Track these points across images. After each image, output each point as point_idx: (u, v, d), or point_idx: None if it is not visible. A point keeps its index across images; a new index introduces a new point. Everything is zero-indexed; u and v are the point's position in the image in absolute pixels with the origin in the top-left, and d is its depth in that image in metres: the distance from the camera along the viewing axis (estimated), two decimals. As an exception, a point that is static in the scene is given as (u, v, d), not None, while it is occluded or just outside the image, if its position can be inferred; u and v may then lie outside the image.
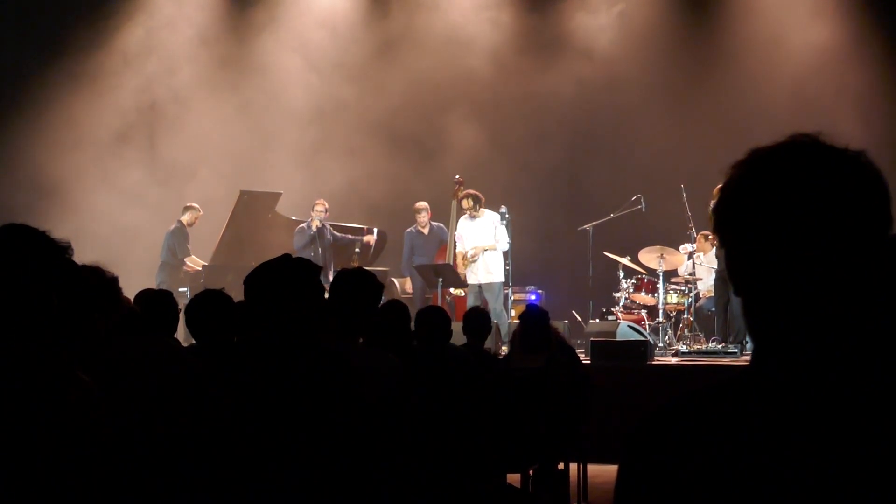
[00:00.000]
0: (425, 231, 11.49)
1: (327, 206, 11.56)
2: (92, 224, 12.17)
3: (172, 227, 11.83)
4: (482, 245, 10.72)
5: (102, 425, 2.20)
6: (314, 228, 11.32)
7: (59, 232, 2.18)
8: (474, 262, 10.69)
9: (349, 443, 2.81)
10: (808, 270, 1.14)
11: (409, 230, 11.58)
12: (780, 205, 1.15)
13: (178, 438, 3.17)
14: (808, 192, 1.15)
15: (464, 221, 10.90)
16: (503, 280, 10.86)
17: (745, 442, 1.12)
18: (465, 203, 10.83)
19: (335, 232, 11.69)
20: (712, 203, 9.54)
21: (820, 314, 1.15)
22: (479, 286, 10.73)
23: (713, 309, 10.72)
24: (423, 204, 11.53)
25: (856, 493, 1.08)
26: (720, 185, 1.24)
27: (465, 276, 10.78)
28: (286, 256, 2.96)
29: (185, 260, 11.80)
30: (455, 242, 11.21)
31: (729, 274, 1.22)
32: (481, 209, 10.81)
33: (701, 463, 1.13)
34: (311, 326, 2.88)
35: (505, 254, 10.86)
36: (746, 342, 10.05)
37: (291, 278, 2.90)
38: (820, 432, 1.11)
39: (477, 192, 10.87)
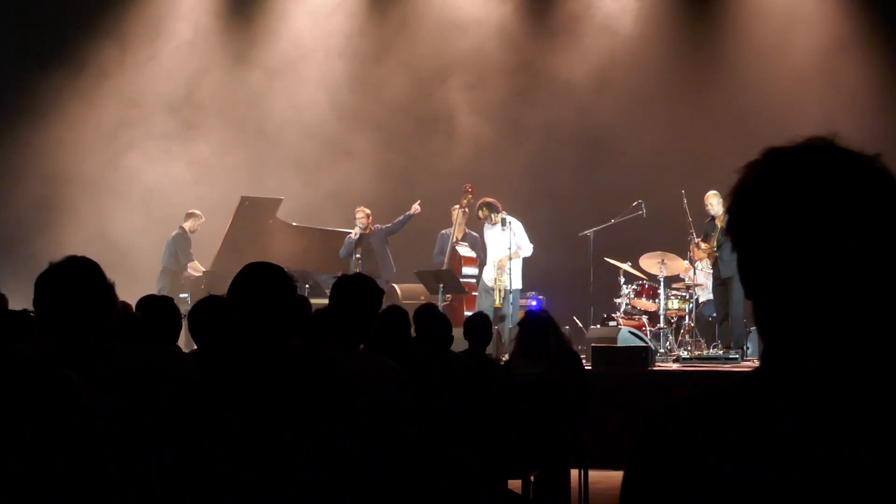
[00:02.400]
0: (460, 235, 11.48)
1: (368, 212, 11.53)
2: (99, 228, 12.20)
3: (174, 232, 11.85)
4: (506, 255, 10.71)
5: (86, 422, 2.21)
6: (353, 237, 11.42)
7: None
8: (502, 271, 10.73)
9: (349, 449, 2.81)
10: (822, 273, 1.14)
11: (443, 231, 11.58)
12: (795, 207, 1.15)
13: (175, 445, 3.18)
14: (823, 195, 1.15)
15: (487, 230, 10.92)
16: (521, 287, 10.90)
17: (753, 444, 1.12)
18: (481, 213, 10.84)
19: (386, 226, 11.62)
20: (709, 208, 9.44)
21: (833, 317, 1.14)
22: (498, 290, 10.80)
23: (714, 315, 10.72)
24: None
25: (866, 497, 1.08)
26: (733, 187, 1.23)
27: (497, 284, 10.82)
28: (250, 264, 3.02)
29: (188, 266, 11.83)
30: (456, 250, 11.25)
31: (741, 275, 1.22)
32: (498, 216, 10.81)
33: (709, 464, 1.13)
34: (275, 330, 2.90)
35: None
36: (747, 348, 10.05)
37: (248, 284, 2.94)
38: (830, 435, 1.11)
39: (492, 200, 10.86)
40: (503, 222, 10.80)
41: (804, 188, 1.15)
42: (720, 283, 10.27)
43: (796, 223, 1.15)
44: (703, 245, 10.44)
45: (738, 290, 9.89)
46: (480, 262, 11.31)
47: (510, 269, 10.68)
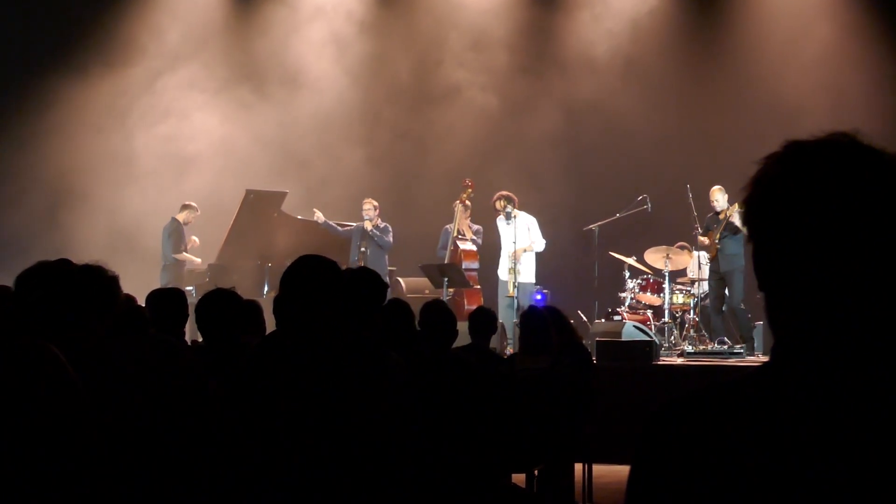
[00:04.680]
0: (462, 229, 11.51)
1: (376, 203, 11.48)
2: (114, 217, 12.22)
3: (167, 224, 11.80)
4: (521, 247, 10.84)
5: (77, 398, 2.21)
6: (366, 229, 11.38)
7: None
8: (516, 262, 10.82)
9: (358, 442, 2.82)
10: (837, 269, 1.13)
11: (447, 226, 11.56)
12: (813, 202, 1.14)
13: (179, 437, 3.18)
14: (842, 191, 1.14)
15: (500, 222, 10.96)
16: (534, 281, 10.99)
17: (761, 437, 1.11)
18: (498, 204, 10.93)
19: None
20: (714, 203, 9.50)
21: (847, 314, 1.14)
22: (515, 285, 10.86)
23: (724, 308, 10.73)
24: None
25: (874, 493, 1.08)
26: (751, 178, 1.21)
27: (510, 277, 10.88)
28: (308, 257, 3.10)
29: (176, 258, 11.72)
30: (457, 244, 11.27)
31: (755, 266, 1.21)
32: (515, 210, 10.90)
33: (716, 457, 1.12)
34: (325, 323, 2.95)
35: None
36: (752, 339, 10.07)
37: (307, 277, 3.01)
38: (840, 431, 1.10)
39: (510, 193, 10.97)
40: (508, 216, 10.84)
41: (824, 183, 1.14)
42: (718, 278, 10.33)
43: (814, 218, 1.14)
44: (702, 239, 10.48)
45: (737, 284, 10.07)
46: (482, 256, 11.35)
47: (520, 261, 10.75)
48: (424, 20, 13.21)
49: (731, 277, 10.15)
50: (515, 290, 10.81)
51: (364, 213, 11.49)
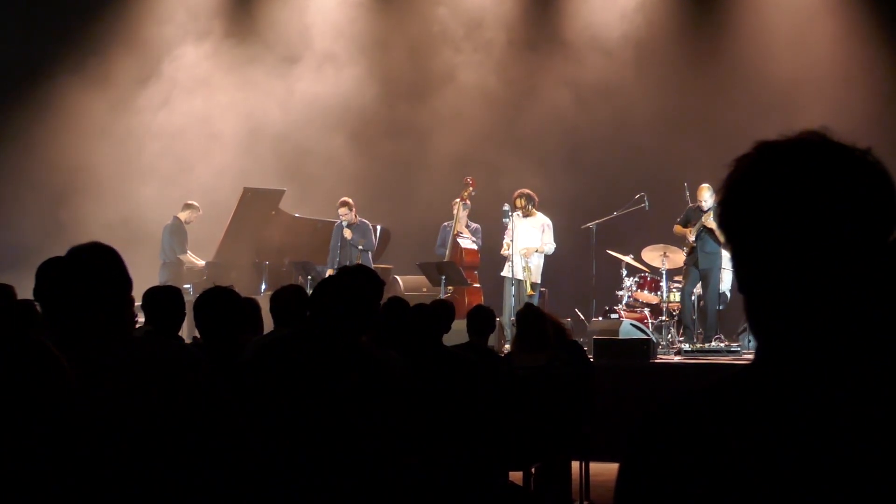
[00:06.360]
0: (460, 228, 11.50)
1: (350, 203, 11.25)
2: (113, 217, 12.22)
3: (169, 223, 11.80)
4: (532, 246, 10.86)
5: (72, 398, 2.22)
6: (343, 231, 11.24)
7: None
8: (526, 259, 10.88)
9: (358, 440, 2.83)
10: (814, 269, 1.13)
11: (445, 224, 11.54)
12: (786, 203, 1.14)
13: (179, 436, 3.19)
14: (815, 190, 1.14)
15: (517, 219, 10.96)
16: (539, 281, 11.02)
17: (746, 440, 1.12)
18: (518, 202, 10.94)
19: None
20: (702, 203, 9.48)
21: (825, 314, 1.14)
22: (518, 282, 10.85)
23: (720, 306, 10.75)
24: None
25: (858, 492, 1.08)
26: (723, 181, 1.21)
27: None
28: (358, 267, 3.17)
29: (181, 258, 11.75)
30: (457, 242, 11.27)
31: (734, 271, 1.21)
32: (534, 209, 10.94)
33: (702, 460, 1.13)
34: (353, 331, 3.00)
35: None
36: (749, 341, 10.09)
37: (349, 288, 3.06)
38: (822, 432, 1.11)
39: (531, 192, 10.98)
40: (505, 214, 10.83)
41: (796, 184, 1.14)
42: (697, 274, 10.42)
43: (787, 219, 1.14)
44: (678, 228, 10.53)
45: (714, 283, 10.12)
46: (483, 255, 11.35)
47: (530, 259, 10.83)
48: (427, 6, 13.18)
49: (709, 275, 10.24)
50: (530, 288, 10.82)
51: (342, 218, 11.23)
